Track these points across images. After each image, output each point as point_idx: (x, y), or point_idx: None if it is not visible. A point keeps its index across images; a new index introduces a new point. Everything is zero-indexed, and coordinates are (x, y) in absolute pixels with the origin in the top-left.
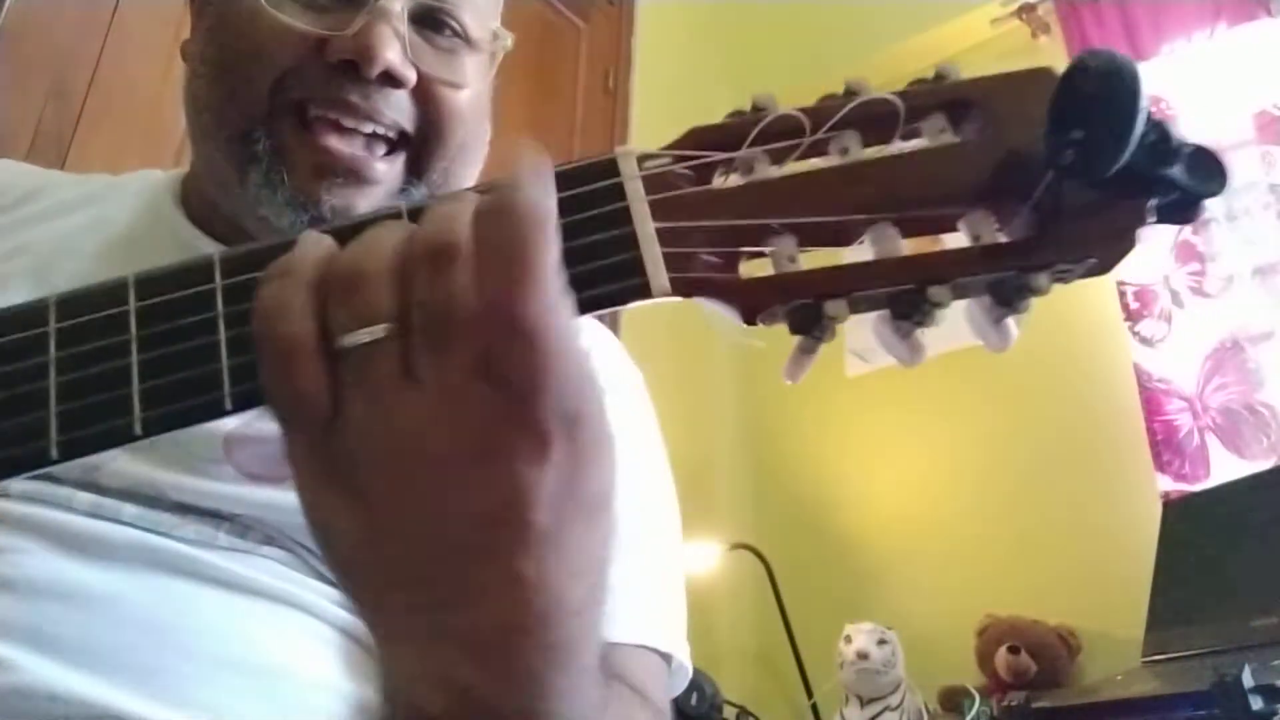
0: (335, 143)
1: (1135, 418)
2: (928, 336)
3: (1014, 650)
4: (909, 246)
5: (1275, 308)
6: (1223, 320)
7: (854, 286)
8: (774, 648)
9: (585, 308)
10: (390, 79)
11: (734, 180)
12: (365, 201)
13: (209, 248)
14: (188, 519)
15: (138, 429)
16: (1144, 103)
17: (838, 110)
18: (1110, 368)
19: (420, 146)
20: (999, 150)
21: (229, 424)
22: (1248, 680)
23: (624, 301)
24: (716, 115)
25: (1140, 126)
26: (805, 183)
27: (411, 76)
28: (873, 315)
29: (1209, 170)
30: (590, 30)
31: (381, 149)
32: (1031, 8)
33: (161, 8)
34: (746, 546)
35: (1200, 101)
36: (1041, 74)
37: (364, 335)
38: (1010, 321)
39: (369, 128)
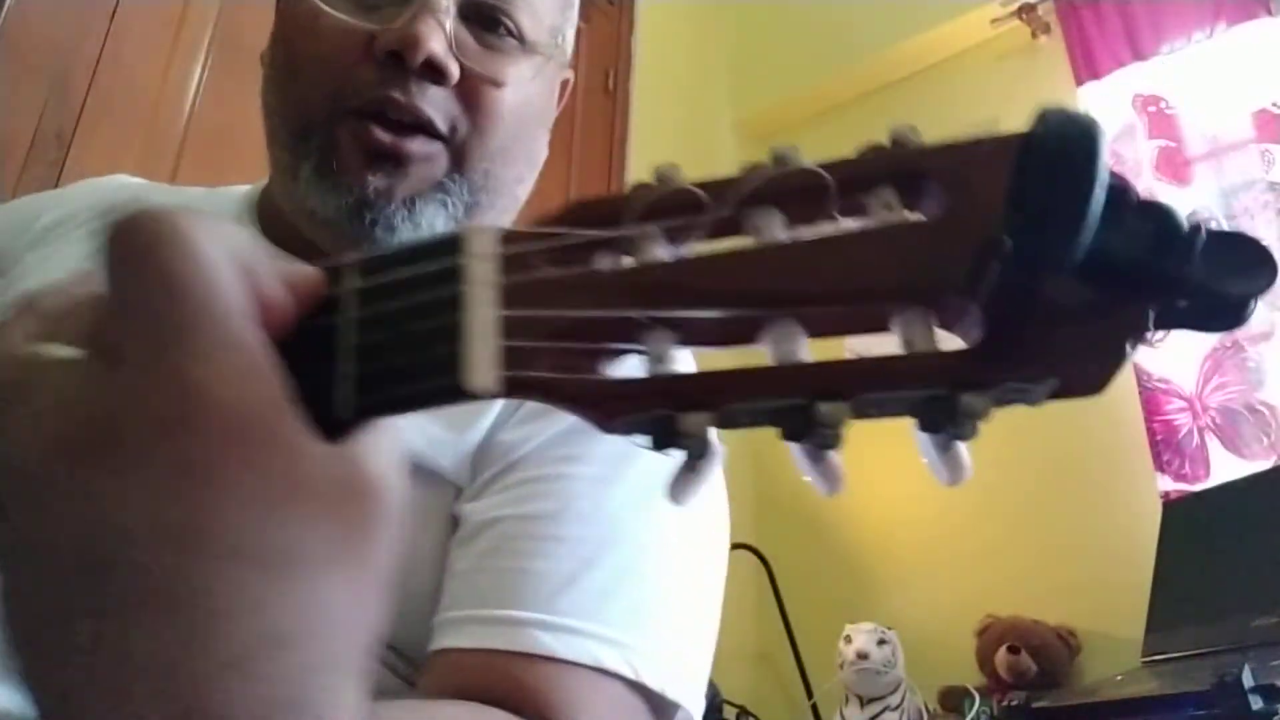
0: (379, 132)
1: (1135, 418)
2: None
3: (1014, 650)
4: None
5: (1275, 308)
6: None
7: (722, 398)
8: (774, 648)
9: (386, 408)
10: (433, 71)
11: (622, 264)
12: (405, 185)
13: None
14: None
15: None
16: (1101, 171)
17: (747, 185)
18: None
19: (461, 144)
20: (952, 233)
21: None
22: (1248, 680)
23: (434, 403)
24: (716, 116)
25: (1096, 202)
26: (695, 269)
27: (454, 70)
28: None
29: (1241, 261)
30: (590, 30)
31: (421, 137)
32: (1031, 8)
33: (161, 8)
34: (746, 546)
35: (1200, 101)
36: (1014, 140)
37: None
38: (961, 451)
39: (407, 119)
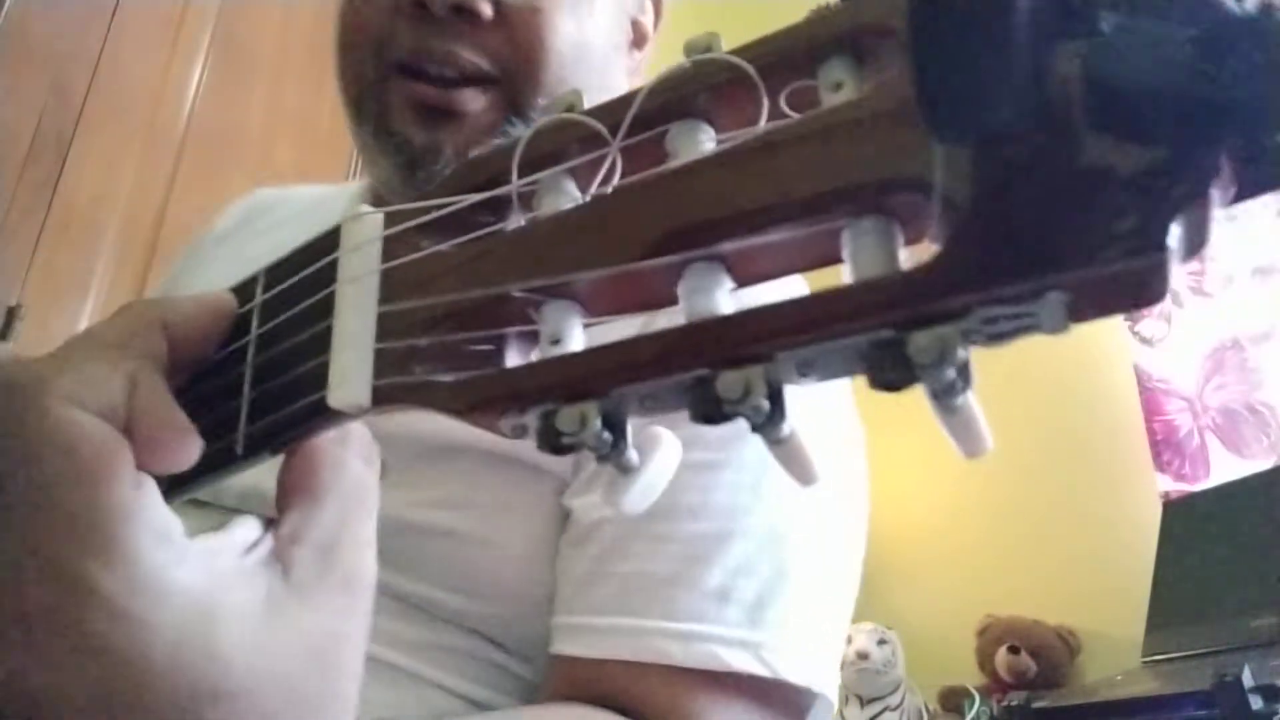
0: (423, 87)
1: (1135, 418)
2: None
3: (1014, 650)
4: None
5: (1275, 307)
6: (1222, 320)
7: (605, 381)
8: None
9: (269, 439)
10: (461, 11)
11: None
12: (457, 138)
13: None
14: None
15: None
16: None
17: (652, 100)
18: (1110, 368)
19: (509, 84)
20: (895, 104)
21: None
22: (1248, 680)
23: (312, 427)
24: None
25: None
26: (579, 219)
27: (483, 7)
28: None
29: None
30: None
31: (471, 90)
32: None
33: (161, 8)
34: None
35: None
36: None
37: None
38: (965, 410)
39: (450, 72)
